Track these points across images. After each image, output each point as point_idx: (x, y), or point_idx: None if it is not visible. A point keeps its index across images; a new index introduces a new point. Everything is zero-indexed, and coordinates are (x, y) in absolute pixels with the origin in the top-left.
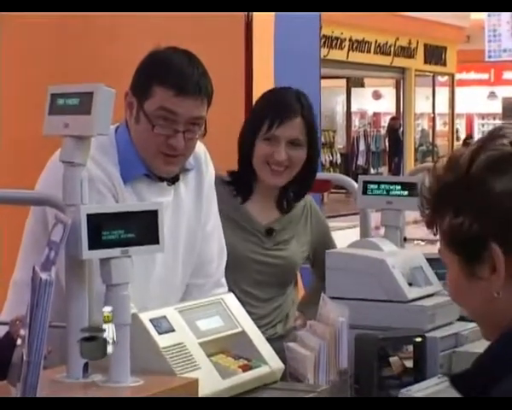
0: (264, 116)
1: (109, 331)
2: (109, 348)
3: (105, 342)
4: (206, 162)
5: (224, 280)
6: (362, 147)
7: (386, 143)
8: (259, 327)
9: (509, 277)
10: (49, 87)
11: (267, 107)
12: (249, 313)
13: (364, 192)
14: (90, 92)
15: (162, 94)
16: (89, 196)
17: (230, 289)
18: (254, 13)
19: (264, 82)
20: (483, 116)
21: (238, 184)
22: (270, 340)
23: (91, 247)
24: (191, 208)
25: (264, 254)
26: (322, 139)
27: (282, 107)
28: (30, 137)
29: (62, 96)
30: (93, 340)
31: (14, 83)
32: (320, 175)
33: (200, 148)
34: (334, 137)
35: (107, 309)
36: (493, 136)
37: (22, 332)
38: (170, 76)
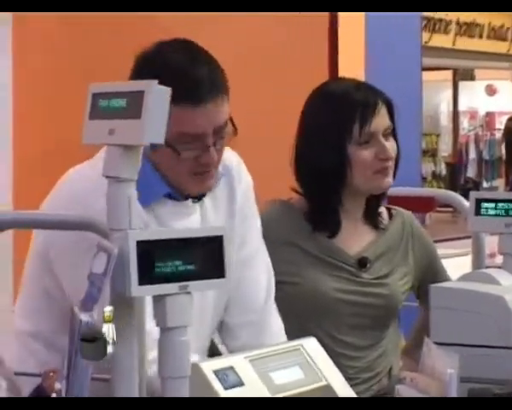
0: (350, 119)
1: (109, 331)
2: (109, 348)
3: (105, 342)
4: (239, 173)
5: (276, 313)
6: (472, 155)
7: (503, 150)
8: (361, 383)
9: None
10: (91, 85)
11: (346, 106)
12: (348, 366)
13: (478, 212)
14: (141, 91)
15: (177, 114)
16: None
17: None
18: None
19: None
20: None
21: (323, 217)
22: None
23: (142, 281)
24: None
25: (360, 293)
26: (424, 145)
27: (366, 99)
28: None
29: (106, 97)
30: (93, 340)
31: (28, 90)
32: (421, 191)
33: (231, 157)
34: (437, 143)
35: (108, 309)
36: None
37: (58, 386)
38: (178, 89)
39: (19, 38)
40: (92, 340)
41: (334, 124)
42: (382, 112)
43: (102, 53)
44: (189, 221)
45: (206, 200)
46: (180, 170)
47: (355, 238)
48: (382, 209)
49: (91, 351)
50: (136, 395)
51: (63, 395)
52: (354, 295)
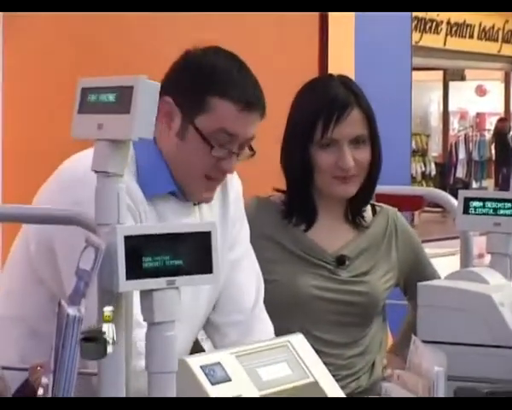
0: (314, 118)
1: (109, 331)
2: (109, 349)
3: (105, 342)
4: (232, 178)
5: (266, 316)
6: (462, 155)
7: (493, 151)
8: (339, 380)
9: None
10: (80, 79)
11: (315, 105)
12: (326, 363)
13: (466, 211)
14: (130, 86)
15: (224, 109)
16: None
17: None
18: None
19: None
20: None
21: (298, 209)
22: (353, 395)
23: (130, 276)
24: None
25: (338, 291)
26: (413, 145)
27: (334, 101)
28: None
29: (95, 91)
30: (93, 340)
31: (18, 85)
32: (410, 189)
33: None
34: (427, 143)
35: (108, 309)
36: None
37: (45, 380)
38: (232, 85)
39: (9, 35)
40: (92, 340)
41: (300, 124)
42: (353, 119)
43: (93, 49)
44: (188, 221)
45: (203, 205)
46: (198, 167)
47: (334, 236)
48: (366, 207)
49: (91, 351)
50: (122, 389)
51: (49, 389)
52: (332, 292)
